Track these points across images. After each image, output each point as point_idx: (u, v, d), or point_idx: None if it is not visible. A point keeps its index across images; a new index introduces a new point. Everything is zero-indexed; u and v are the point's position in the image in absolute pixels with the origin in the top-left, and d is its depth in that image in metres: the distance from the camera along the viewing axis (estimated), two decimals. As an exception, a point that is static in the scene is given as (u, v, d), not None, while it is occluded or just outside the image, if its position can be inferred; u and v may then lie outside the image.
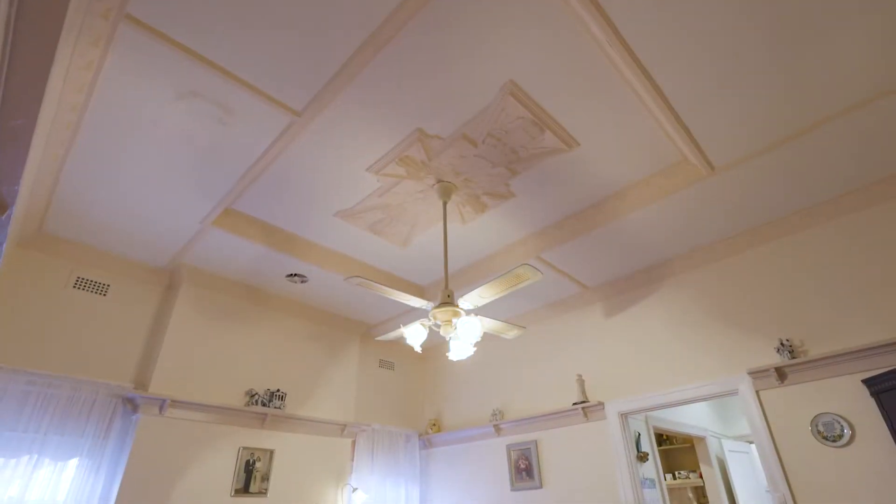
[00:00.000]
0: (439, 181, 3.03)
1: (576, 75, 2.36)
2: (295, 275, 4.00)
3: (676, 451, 6.34)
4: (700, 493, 5.74)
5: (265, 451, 3.86)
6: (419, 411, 5.49)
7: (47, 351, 3.29)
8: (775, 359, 3.23)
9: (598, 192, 3.22)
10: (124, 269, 3.79)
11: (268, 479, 3.79)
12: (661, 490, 4.14)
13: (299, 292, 4.33)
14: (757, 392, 3.24)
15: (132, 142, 2.69)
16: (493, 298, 2.57)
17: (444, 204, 3.03)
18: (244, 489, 3.64)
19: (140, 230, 3.45)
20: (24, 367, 3.12)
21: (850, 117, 2.61)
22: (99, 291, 3.64)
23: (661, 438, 6.29)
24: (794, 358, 3.11)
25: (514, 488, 4.28)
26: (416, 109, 2.54)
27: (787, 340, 3.20)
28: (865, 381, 2.77)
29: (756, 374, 3.21)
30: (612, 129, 2.70)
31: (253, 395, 3.91)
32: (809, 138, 2.75)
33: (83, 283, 3.59)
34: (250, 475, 3.71)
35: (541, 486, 4.10)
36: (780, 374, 3.15)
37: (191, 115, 2.52)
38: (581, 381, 4.12)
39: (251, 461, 3.76)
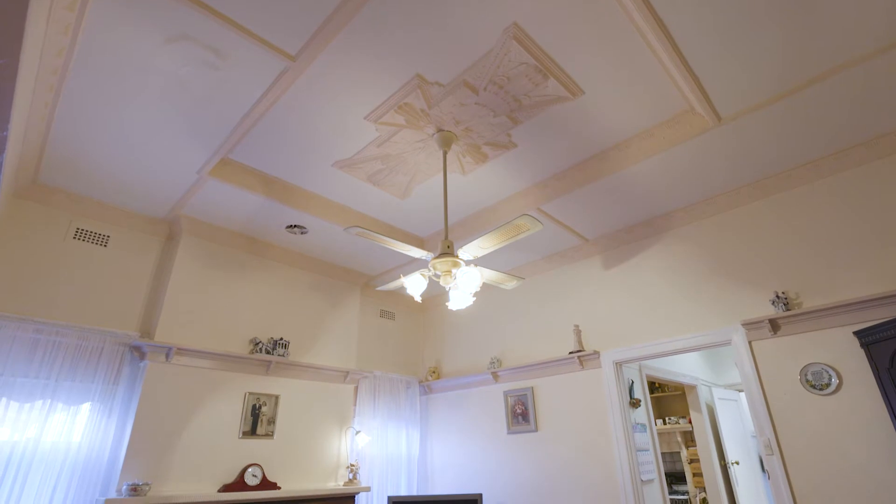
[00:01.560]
0: (439, 130, 2.96)
1: (583, 18, 2.25)
2: (295, 226, 3.99)
3: (668, 398, 6.58)
4: (688, 437, 6.01)
5: (270, 396, 4.00)
6: (419, 359, 5.65)
7: (52, 301, 3.34)
8: (770, 311, 3.28)
9: (601, 142, 3.15)
10: (123, 220, 3.78)
11: (274, 423, 3.95)
12: (652, 434, 4.33)
13: (300, 243, 4.34)
14: (750, 343, 3.31)
15: (123, 88, 2.60)
16: (492, 249, 2.58)
17: (444, 154, 2.97)
18: (252, 431, 3.80)
19: (137, 180, 3.42)
20: (31, 317, 3.17)
21: (855, 71, 2.54)
22: (99, 242, 3.65)
23: (654, 386, 6.52)
24: (788, 310, 3.16)
25: (510, 431, 4.47)
26: (415, 55, 2.44)
27: (783, 293, 3.24)
28: (857, 333, 2.83)
29: (750, 325, 3.28)
30: (618, 77, 2.61)
31: (257, 344, 4.01)
32: (815, 90, 2.68)
33: (83, 234, 3.59)
34: (257, 418, 3.87)
35: (536, 430, 4.29)
36: (774, 325, 3.21)
37: (182, 60, 2.42)
38: (578, 331, 4.21)
39: (257, 405, 3.90)
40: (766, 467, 3.10)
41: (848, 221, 3.15)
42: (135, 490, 3.04)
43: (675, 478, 6.11)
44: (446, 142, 2.96)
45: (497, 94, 2.69)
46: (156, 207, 3.76)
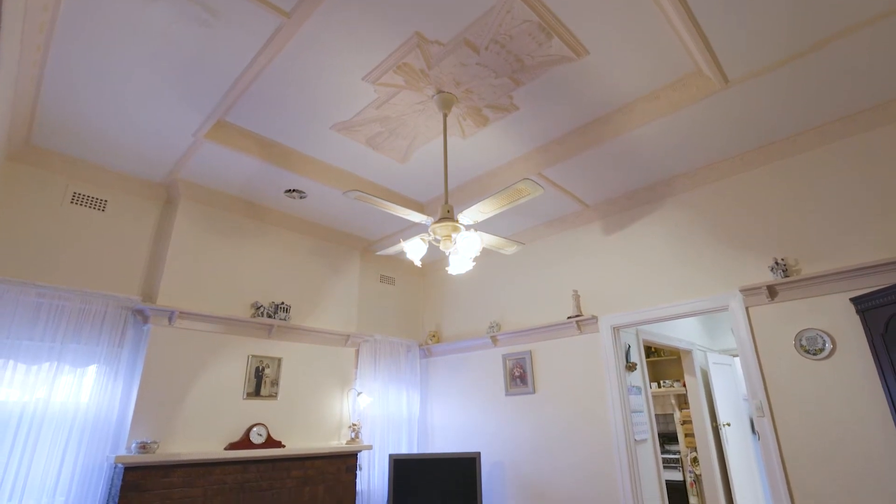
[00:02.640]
0: (439, 92, 2.89)
1: (589, -29, 2.16)
2: (293, 190, 3.96)
3: (663, 363, 6.70)
4: (682, 399, 6.16)
5: (273, 358, 4.07)
6: (419, 324, 5.72)
7: (53, 266, 3.34)
8: (768, 277, 3.29)
9: (605, 105, 3.08)
10: (121, 184, 3.75)
11: (277, 384, 4.04)
12: (646, 396, 4.43)
13: (299, 208, 4.32)
14: (747, 308, 3.34)
15: (112, 47, 2.52)
16: (492, 214, 2.56)
17: (445, 116, 2.91)
18: (255, 392, 3.89)
19: (132, 143, 3.36)
20: (33, 281, 3.19)
21: (862, 34, 2.47)
22: (97, 207, 3.63)
23: (650, 350, 6.63)
24: (786, 277, 3.17)
25: (508, 393, 4.58)
26: (414, 11, 2.35)
27: (782, 259, 3.25)
28: (853, 300, 2.85)
29: (748, 291, 3.30)
30: (624, 37, 2.52)
31: (258, 308, 4.04)
32: (823, 54, 2.60)
33: (80, 199, 3.56)
34: (260, 380, 3.95)
35: (534, 392, 4.38)
36: (772, 291, 3.23)
37: (172, 15, 2.34)
38: (577, 297, 4.24)
39: (260, 368, 3.98)
40: (756, 429, 3.19)
41: (851, 188, 3.12)
42: (144, 448, 3.14)
43: (667, 438, 6.30)
44: (446, 104, 2.90)
45: (499, 54, 2.61)
46: (153, 171, 3.72)
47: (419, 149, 3.51)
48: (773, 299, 3.23)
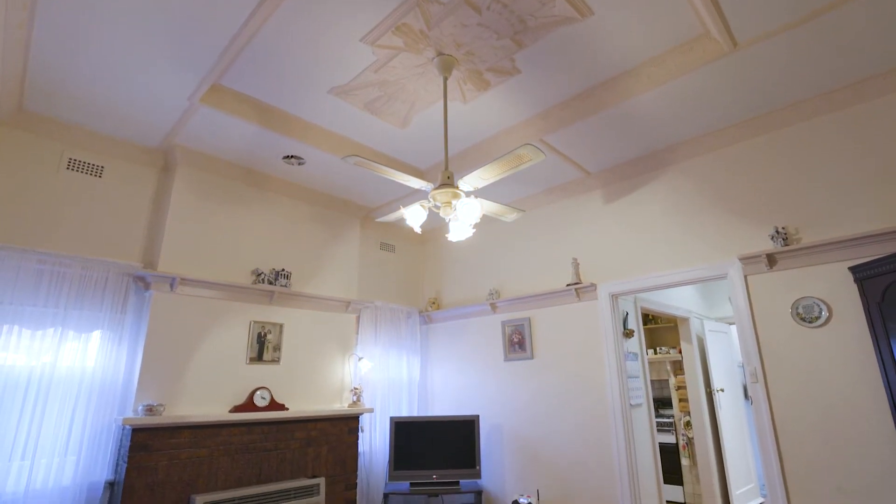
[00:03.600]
0: (439, 54, 2.81)
1: (597, -76, 2.06)
2: (291, 157, 3.91)
3: (660, 330, 6.79)
4: (677, 366, 6.27)
5: (275, 324, 4.12)
6: (419, 291, 5.76)
7: (52, 232, 3.34)
8: (768, 245, 3.29)
9: (609, 69, 3.01)
10: (117, 150, 3.70)
11: (279, 349, 4.10)
12: (643, 362, 4.51)
13: (298, 175, 4.27)
14: (745, 277, 3.36)
15: (102, 5, 2.43)
16: (493, 180, 2.53)
17: (445, 80, 2.84)
18: (258, 357, 3.95)
19: (126, 107, 3.29)
20: (33, 248, 3.19)
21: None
22: (94, 173, 3.59)
23: (647, 318, 6.70)
24: (786, 245, 3.17)
25: (507, 359, 4.65)
26: (413, -33, 2.26)
27: (783, 228, 3.24)
28: (852, 269, 2.86)
29: (747, 259, 3.30)
30: (632, -5, 2.43)
31: (259, 274, 4.06)
32: (832, 17, 2.52)
33: (76, 165, 3.52)
34: (263, 345, 4.01)
35: (532, 357, 4.46)
36: (771, 260, 3.23)
37: (161, -30, 2.25)
38: (576, 264, 4.26)
39: (262, 333, 4.03)
40: (749, 394, 3.26)
41: (853, 157, 3.08)
42: (150, 410, 3.21)
43: (661, 403, 6.45)
44: (447, 67, 2.82)
45: (501, 14, 2.53)
46: (149, 137, 3.66)
47: (419, 114, 3.45)
48: (771, 268, 3.24)
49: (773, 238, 3.23)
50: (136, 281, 3.57)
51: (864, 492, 2.72)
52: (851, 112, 3.13)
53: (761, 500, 5.79)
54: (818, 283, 3.07)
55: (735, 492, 5.38)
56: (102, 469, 3.22)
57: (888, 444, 2.69)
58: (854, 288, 2.92)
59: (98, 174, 3.61)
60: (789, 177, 3.31)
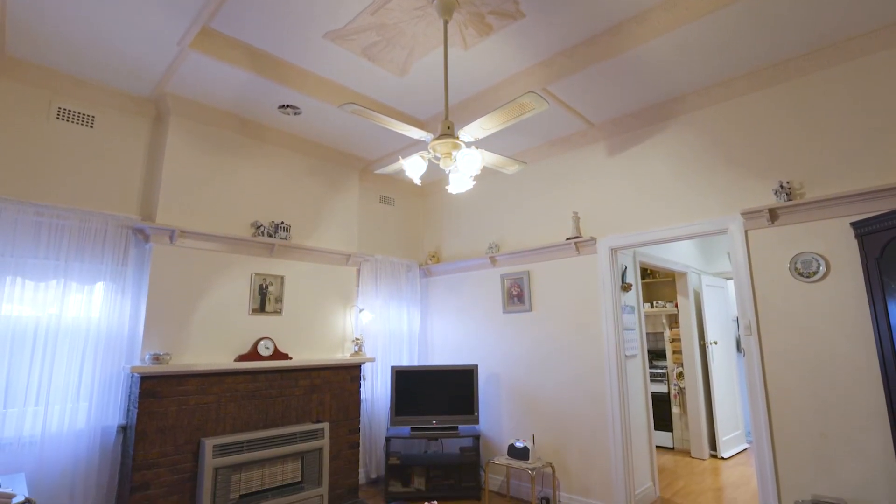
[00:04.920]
0: (440, -4, 2.67)
1: None
2: (287, 106, 3.80)
3: (658, 284, 6.86)
4: (673, 319, 6.38)
5: (276, 276, 4.15)
6: (419, 244, 5.78)
7: (47, 184, 3.30)
8: (771, 200, 3.26)
9: (618, 13, 2.86)
10: (107, 99, 3.59)
11: (281, 301, 4.15)
12: (639, 315, 4.58)
13: (295, 125, 4.17)
14: (746, 232, 3.35)
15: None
16: (494, 130, 2.47)
17: (445, 24, 2.71)
18: (261, 308, 4.01)
19: (114, 53, 3.17)
20: (30, 200, 3.16)
21: None
22: (84, 123, 3.51)
23: (645, 272, 6.75)
24: (790, 200, 3.14)
25: (505, 311, 4.73)
26: None
27: (787, 183, 3.19)
28: (854, 224, 2.84)
29: (749, 214, 3.28)
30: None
31: (258, 227, 4.05)
32: None
33: (66, 114, 3.43)
34: (265, 297, 4.06)
35: (530, 310, 4.53)
36: (773, 214, 3.21)
37: None
38: (576, 218, 4.24)
39: (264, 285, 4.07)
40: (742, 346, 3.33)
41: (863, 111, 2.99)
42: (157, 359, 3.29)
43: (656, 354, 6.62)
44: (447, 9, 2.69)
45: (505, -49, 2.38)
46: (139, 85, 3.54)
47: (418, 61, 3.32)
48: (773, 223, 3.23)
49: (776, 193, 3.19)
50: (135, 233, 3.57)
51: (846, 438, 2.84)
52: (860, 64, 3.01)
53: (746, 445, 6.06)
54: (818, 238, 3.06)
55: (722, 438, 5.61)
56: (114, 414, 3.35)
57: (873, 394, 2.77)
58: (853, 244, 2.92)
59: (89, 124, 3.53)
60: (796, 130, 3.23)
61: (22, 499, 2.28)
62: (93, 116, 3.55)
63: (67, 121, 3.44)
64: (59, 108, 3.41)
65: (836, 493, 2.84)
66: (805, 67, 3.19)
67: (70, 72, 3.36)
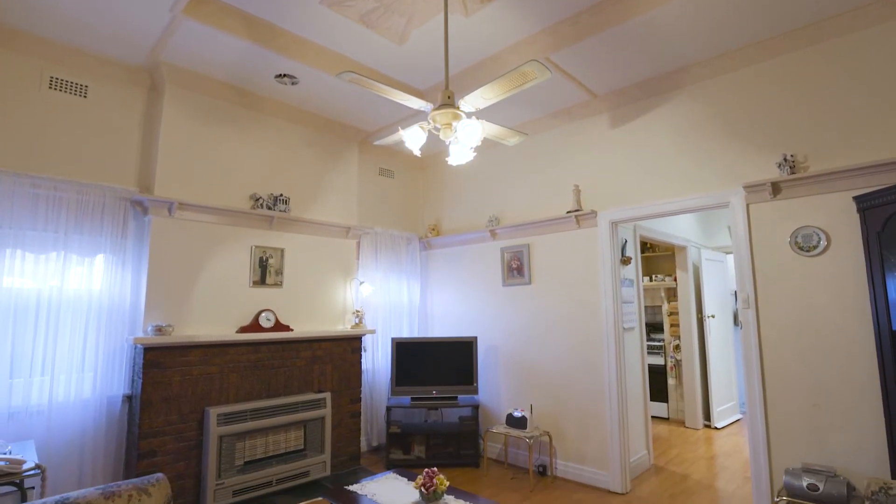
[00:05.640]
0: (440, -41, 2.58)
1: None
2: (284, 75, 3.72)
3: (657, 258, 6.87)
4: (671, 293, 6.42)
5: (276, 249, 4.15)
6: (419, 217, 5.76)
7: (41, 156, 3.25)
8: (774, 174, 3.23)
9: (625, -22, 2.77)
10: (100, 68, 3.51)
11: (281, 273, 4.17)
12: (638, 289, 4.60)
13: (293, 96, 4.10)
14: (747, 205, 3.33)
15: None
16: (496, 100, 2.42)
17: (446, -10, 2.63)
18: (261, 281, 4.03)
19: (106, 19, 3.07)
20: (26, 172, 3.12)
21: None
22: (78, 93, 3.44)
23: (645, 246, 6.76)
24: (793, 173, 3.11)
25: (505, 284, 4.75)
26: None
27: (791, 156, 3.15)
28: (856, 198, 2.82)
29: (751, 187, 3.25)
30: None
31: (257, 199, 4.03)
32: None
33: (58, 84, 3.36)
34: (265, 270, 4.07)
35: (530, 283, 4.55)
36: (775, 188, 3.19)
37: None
38: (577, 191, 4.21)
39: (264, 258, 4.07)
40: (740, 319, 3.35)
41: (872, 84, 2.92)
42: (159, 330, 3.33)
43: (653, 328, 6.68)
44: (448, -26, 2.60)
45: (508, -89, 2.28)
46: (132, 53, 3.46)
47: (418, 28, 3.23)
48: (775, 196, 3.20)
49: (780, 166, 3.16)
50: (133, 206, 3.55)
51: (839, 408, 2.89)
52: (870, 35, 2.93)
53: (739, 416, 6.18)
54: (820, 212, 3.05)
55: (716, 409, 5.73)
56: (119, 384, 3.40)
57: (867, 367, 2.81)
58: (855, 218, 2.91)
59: (83, 94, 3.46)
60: (802, 103, 3.17)
61: (32, 465, 2.34)
62: (86, 86, 3.48)
63: (60, 90, 3.37)
64: (52, 77, 3.34)
65: (826, 461, 2.91)
66: (813, 37, 3.11)
67: (61, 40, 3.28)
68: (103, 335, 3.33)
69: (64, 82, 3.39)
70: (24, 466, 2.30)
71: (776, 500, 2.87)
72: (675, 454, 4.74)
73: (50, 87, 3.33)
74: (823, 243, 3.01)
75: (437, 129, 2.49)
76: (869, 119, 2.92)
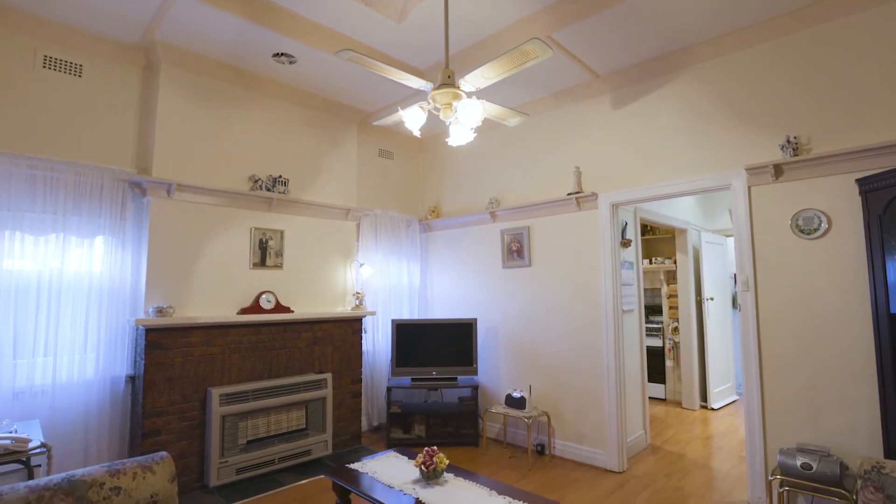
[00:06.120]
0: (440, -67, 2.51)
1: None
2: (282, 54, 3.67)
3: (657, 241, 6.87)
4: (671, 276, 6.43)
5: (276, 231, 4.15)
6: (419, 199, 5.74)
7: (37, 136, 3.22)
8: (777, 156, 3.21)
9: (630, -47, 2.71)
10: (94, 47, 3.46)
11: (281, 255, 4.17)
12: (637, 271, 4.61)
13: (291, 75, 4.04)
14: (749, 188, 3.31)
15: None
16: (496, 79, 2.38)
17: (446, -35, 2.57)
18: (261, 263, 4.03)
19: (97, -5, 3.02)
20: (21, 153, 3.09)
21: None
22: (72, 72, 3.39)
23: (645, 229, 6.74)
24: (796, 155, 3.08)
25: (505, 266, 4.76)
26: None
27: (795, 138, 3.12)
28: (859, 180, 2.80)
29: (753, 170, 3.23)
30: None
31: (256, 181, 4.01)
32: None
33: (52, 63, 3.31)
34: (265, 251, 4.07)
35: (530, 265, 4.55)
36: (778, 170, 3.16)
37: None
38: (578, 173, 4.18)
39: (264, 240, 4.07)
40: (738, 302, 3.37)
41: (879, 64, 2.87)
42: (160, 312, 3.34)
43: (652, 310, 6.71)
44: (448, -51, 2.54)
45: None
46: (127, 31, 3.40)
47: (417, 6, 3.17)
48: (777, 179, 3.18)
49: (783, 148, 3.13)
50: (132, 187, 3.53)
51: (834, 390, 2.92)
52: (878, 14, 2.86)
53: (736, 398, 6.26)
54: (821, 195, 3.03)
55: (713, 390, 5.79)
56: (122, 365, 3.43)
57: (864, 349, 2.83)
58: (857, 201, 2.89)
59: (77, 73, 3.41)
60: (807, 83, 3.12)
61: (37, 444, 2.38)
62: (80, 65, 3.43)
63: (55, 70, 3.32)
64: (46, 56, 3.29)
65: (820, 441, 2.95)
66: (819, 16, 3.05)
67: (55, 17, 3.21)
68: (105, 316, 3.35)
69: (58, 61, 3.34)
70: (30, 445, 2.34)
71: (770, 478, 2.93)
72: (671, 434, 4.81)
73: (44, 67, 3.28)
74: (824, 226, 3.00)
75: (437, 110, 2.46)
76: (874, 101, 2.89)
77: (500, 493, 2.40)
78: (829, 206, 3.00)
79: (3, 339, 2.96)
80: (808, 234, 3.06)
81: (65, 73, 3.36)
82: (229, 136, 3.93)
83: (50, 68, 3.31)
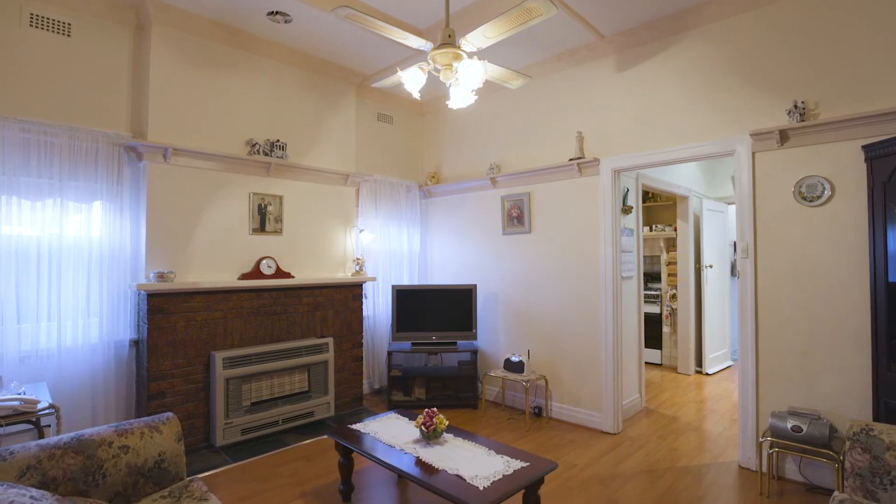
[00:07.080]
0: None
1: None
2: (276, 12, 3.54)
3: (658, 208, 6.83)
4: (670, 243, 6.43)
5: (274, 196, 4.12)
6: (418, 164, 5.67)
7: (26, 98, 3.14)
8: (783, 121, 3.14)
9: None
10: (83, 5, 3.33)
11: (281, 221, 4.15)
12: (637, 238, 4.61)
13: (287, 35, 3.91)
14: (753, 154, 3.26)
15: None
16: (498, 39, 2.30)
17: (447, -84, 2.44)
18: (261, 228, 4.02)
19: (82, -53, 2.88)
20: (12, 115, 3.03)
21: None
22: (61, 31, 3.28)
23: (646, 196, 6.70)
24: (803, 121, 3.02)
25: (505, 232, 4.75)
26: None
27: (802, 102, 3.05)
28: (865, 147, 2.75)
29: (758, 135, 3.18)
30: None
31: (254, 145, 3.95)
32: None
33: (39, 21, 3.20)
34: (264, 217, 4.05)
35: (530, 231, 4.54)
36: (783, 136, 3.11)
37: None
38: (580, 138, 4.12)
39: (263, 205, 4.04)
40: (738, 269, 3.37)
41: (892, 28, 2.77)
42: (161, 277, 3.35)
43: (651, 277, 6.75)
44: None
45: None
46: (114, -14, 3.27)
47: (417, -39, 3.04)
48: (782, 145, 3.13)
49: (789, 113, 3.07)
50: (127, 151, 3.48)
51: (829, 355, 2.97)
52: (908, -37, 2.76)
53: (730, 363, 6.37)
54: (826, 161, 2.99)
55: (709, 355, 5.89)
56: (125, 329, 3.47)
57: (860, 315, 2.85)
58: (861, 168, 2.86)
59: (66, 32, 3.30)
60: (815, 47, 3.02)
61: (46, 405, 2.43)
62: (69, 24, 3.31)
63: (42, 28, 3.21)
64: (32, 14, 3.17)
65: (811, 405, 3.02)
66: (838, -29, 2.93)
67: (38, -29, 3.08)
68: (106, 281, 3.36)
69: (45, 19, 3.22)
70: (39, 406, 2.39)
71: (761, 440, 3.01)
72: (666, 398, 4.92)
73: (31, 25, 3.17)
74: (827, 193, 2.98)
75: (437, 70, 2.40)
76: (884, 66, 2.80)
77: (498, 452, 2.47)
78: (833, 173, 2.97)
79: (6, 304, 2.99)
80: (811, 201, 3.04)
81: (53, 32, 3.25)
82: (225, 99, 3.85)
83: (37, 27, 3.20)
